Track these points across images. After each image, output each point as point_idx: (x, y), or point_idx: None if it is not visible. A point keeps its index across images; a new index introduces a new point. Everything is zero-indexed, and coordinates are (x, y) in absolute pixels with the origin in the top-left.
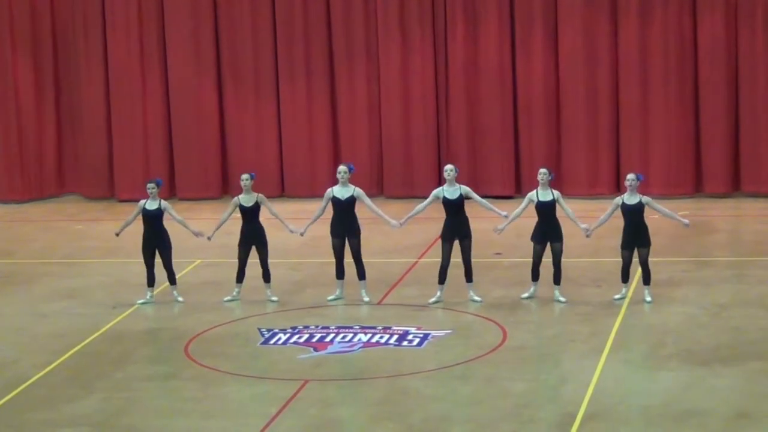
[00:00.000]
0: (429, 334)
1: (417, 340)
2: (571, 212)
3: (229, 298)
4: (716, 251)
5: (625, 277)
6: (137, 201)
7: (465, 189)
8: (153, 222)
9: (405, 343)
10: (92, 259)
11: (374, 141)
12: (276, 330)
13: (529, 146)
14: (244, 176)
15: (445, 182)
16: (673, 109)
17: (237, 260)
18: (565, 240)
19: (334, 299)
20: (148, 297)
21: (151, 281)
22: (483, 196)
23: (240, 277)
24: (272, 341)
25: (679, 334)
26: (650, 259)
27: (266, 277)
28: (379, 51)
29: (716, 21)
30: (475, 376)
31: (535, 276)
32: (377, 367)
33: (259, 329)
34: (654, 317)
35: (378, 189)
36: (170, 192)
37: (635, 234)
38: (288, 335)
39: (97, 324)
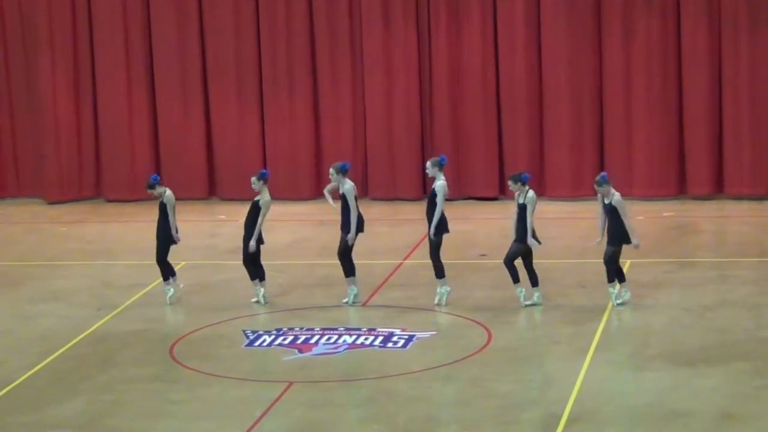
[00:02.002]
0: (414, 335)
1: (402, 342)
2: (530, 223)
3: (255, 299)
4: (700, 252)
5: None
6: (125, 201)
7: (435, 185)
8: (159, 214)
9: (390, 344)
10: (77, 261)
11: (358, 143)
12: (261, 332)
13: (513, 148)
14: (252, 179)
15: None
16: (657, 111)
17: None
18: (549, 242)
19: (352, 298)
20: (170, 291)
21: (166, 275)
22: (467, 198)
23: (253, 275)
24: (257, 343)
25: (663, 335)
26: (623, 260)
27: (257, 275)
28: (363, 54)
29: (700, 24)
30: (460, 378)
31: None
32: (362, 369)
33: (244, 331)
34: (638, 318)
35: (362, 191)
36: None
37: (609, 231)
38: (273, 337)
39: (82, 326)
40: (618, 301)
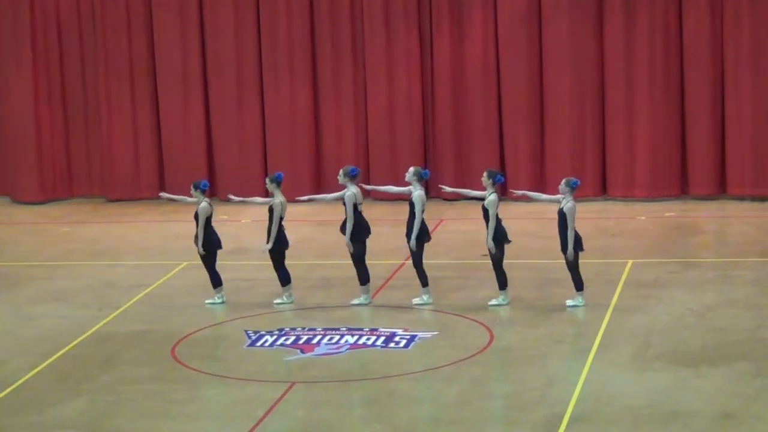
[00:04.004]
0: (416, 335)
1: (404, 342)
2: (490, 229)
3: (279, 301)
4: (702, 253)
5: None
6: (127, 201)
7: (413, 196)
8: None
9: (392, 344)
10: (78, 262)
11: (360, 144)
12: (263, 332)
13: (515, 149)
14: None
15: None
16: (659, 111)
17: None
18: (550, 242)
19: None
20: (216, 299)
21: (214, 282)
22: (470, 199)
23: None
24: (259, 343)
25: (665, 335)
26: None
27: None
28: (365, 55)
29: (702, 23)
30: (461, 378)
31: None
32: (364, 369)
33: (246, 331)
34: (640, 318)
35: (364, 191)
36: (159, 193)
37: (562, 239)
38: (275, 337)
39: (84, 326)
40: (570, 303)
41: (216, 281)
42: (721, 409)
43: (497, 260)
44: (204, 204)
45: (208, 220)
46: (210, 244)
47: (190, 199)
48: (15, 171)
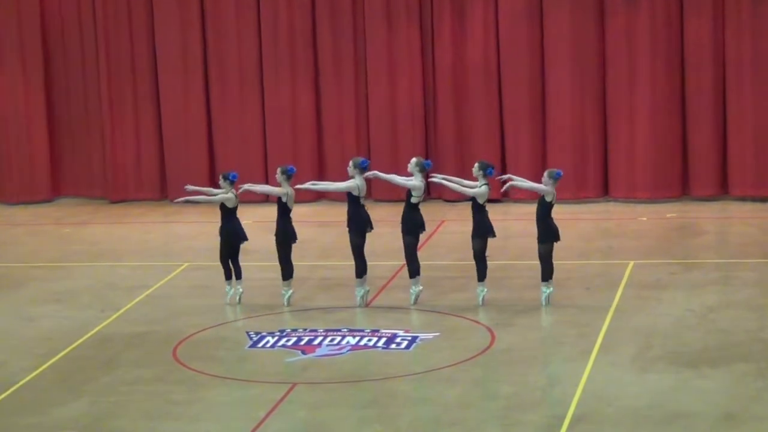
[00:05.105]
0: (417, 336)
1: (405, 343)
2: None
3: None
4: (703, 253)
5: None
6: (129, 201)
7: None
8: (221, 214)
9: (393, 345)
10: (79, 263)
11: (361, 143)
12: (264, 333)
13: (515, 149)
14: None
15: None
16: (660, 111)
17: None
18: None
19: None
20: (230, 291)
21: (227, 275)
22: (470, 199)
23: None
24: (260, 344)
25: (666, 336)
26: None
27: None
28: (366, 54)
29: (703, 24)
30: (463, 379)
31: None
32: (365, 370)
33: (248, 332)
34: (641, 319)
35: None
36: (161, 194)
37: (539, 228)
38: (276, 338)
39: (85, 327)
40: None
41: (227, 274)
42: (722, 410)
43: (479, 252)
44: (229, 195)
45: (234, 211)
46: (236, 236)
47: (216, 191)
48: (18, 171)
